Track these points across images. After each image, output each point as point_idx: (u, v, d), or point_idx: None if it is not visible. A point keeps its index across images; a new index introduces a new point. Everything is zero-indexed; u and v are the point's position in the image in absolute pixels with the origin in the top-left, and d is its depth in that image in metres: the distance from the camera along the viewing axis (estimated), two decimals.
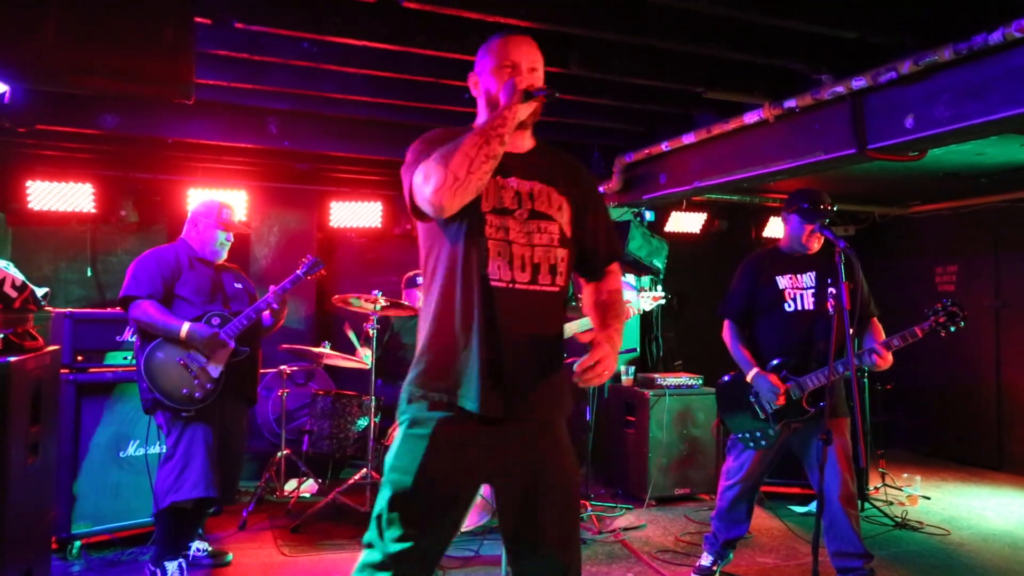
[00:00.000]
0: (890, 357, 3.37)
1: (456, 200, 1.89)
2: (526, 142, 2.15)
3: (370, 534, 2.00)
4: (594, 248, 2.20)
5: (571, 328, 3.89)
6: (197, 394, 3.52)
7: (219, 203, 3.84)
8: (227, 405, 3.66)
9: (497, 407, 1.95)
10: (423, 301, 2.12)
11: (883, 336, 3.45)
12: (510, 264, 1.98)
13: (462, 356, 1.96)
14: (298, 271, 3.86)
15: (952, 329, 3.30)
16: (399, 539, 1.93)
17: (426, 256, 2.10)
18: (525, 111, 2.00)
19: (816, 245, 3.59)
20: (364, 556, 2.00)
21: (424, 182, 1.90)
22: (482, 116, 2.14)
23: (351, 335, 5.39)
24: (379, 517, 1.98)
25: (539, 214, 2.04)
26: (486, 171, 1.89)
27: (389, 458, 2.02)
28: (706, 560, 3.81)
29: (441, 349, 2.01)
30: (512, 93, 1.98)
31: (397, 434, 2.05)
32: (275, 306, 3.74)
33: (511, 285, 1.97)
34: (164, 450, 3.60)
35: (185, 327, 3.49)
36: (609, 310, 2.18)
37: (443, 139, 1.97)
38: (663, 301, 4.58)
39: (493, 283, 1.96)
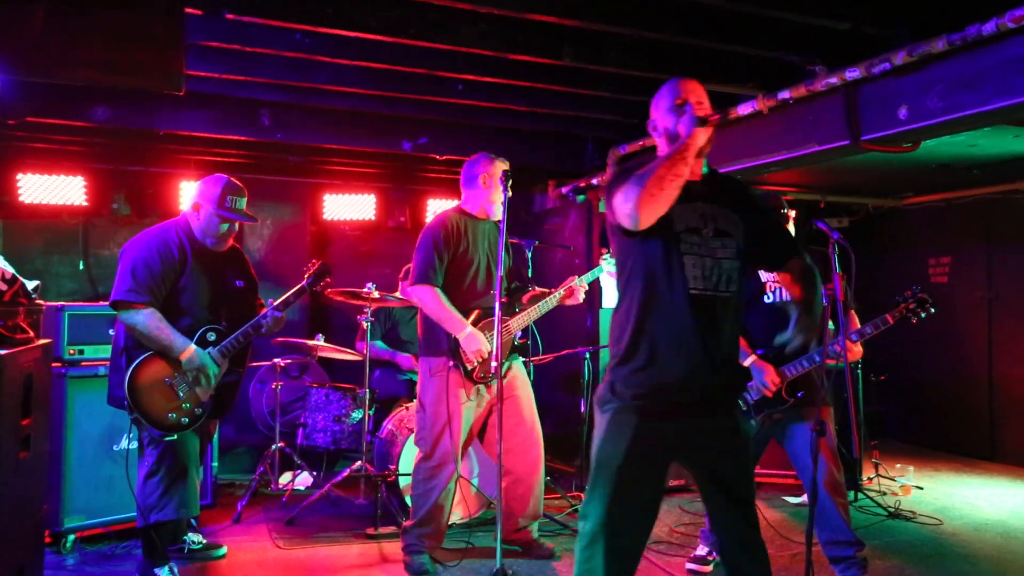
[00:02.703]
0: (858, 348, 3.47)
1: (649, 213, 2.21)
2: (700, 168, 2.44)
3: None
4: (774, 244, 2.54)
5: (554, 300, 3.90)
6: (184, 419, 3.34)
7: (224, 185, 3.43)
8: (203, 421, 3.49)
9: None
10: (619, 306, 2.42)
11: (857, 326, 3.50)
12: (703, 274, 2.32)
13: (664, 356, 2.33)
14: (303, 282, 3.64)
15: (923, 316, 3.37)
16: None
17: (622, 268, 2.44)
18: (703, 137, 2.28)
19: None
20: None
21: (624, 200, 2.22)
22: (664, 150, 2.44)
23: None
24: None
25: (722, 232, 2.38)
26: (674, 187, 2.20)
27: None
28: (702, 550, 3.83)
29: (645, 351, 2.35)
30: (691, 122, 2.28)
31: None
32: (273, 324, 3.53)
33: (704, 293, 2.31)
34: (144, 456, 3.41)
35: (188, 351, 3.29)
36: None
37: (635, 166, 2.31)
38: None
39: (692, 291, 2.30)
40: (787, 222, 3.68)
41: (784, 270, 2.60)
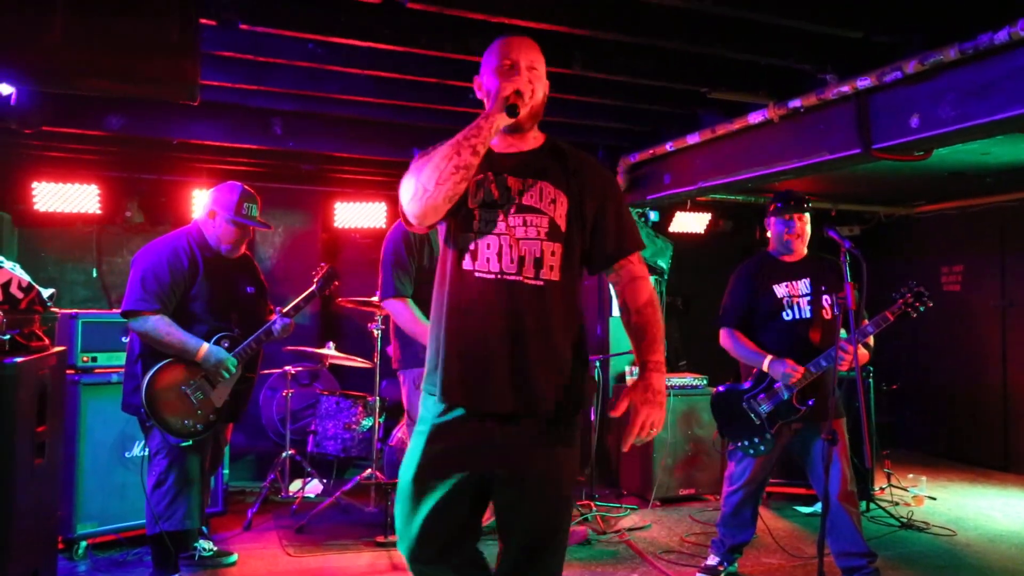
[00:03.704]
0: (861, 351, 3.40)
1: (425, 210, 1.93)
2: (528, 143, 2.15)
3: None
4: (599, 242, 2.11)
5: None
6: (199, 426, 3.38)
7: (240, 192, 3.50)
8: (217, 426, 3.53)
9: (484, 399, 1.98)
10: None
11: (867, 340, 3.49)
12: (498, 256, 1.98)
13: (447, 349, 2.01)
14: (312, 287, 3.68)
15: (921, 309, 3.34)
16: None
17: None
18: (504, 121, 1.97)
19: (798, 243, 3.64)
20: None
21: (401, 194, 1.98)
22: None
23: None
24: None
25: (527, 208, 2.02)
26: (456, 181, 1.90)
27: None
28: (712, 560, 3.81)
29: (432, 346, 2.07)
30: (495, 101, 1.96)
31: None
32: (283, 330, 3.59)
33: (500, 277, 1.98)
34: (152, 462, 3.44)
35: (203, 349, 3.33)
36: (643, 339, 2.04)
37: (431, 148, 2.02)
38: None
39: (479, 275, 1.98)
40: (804, 223, 3.67)
41: (609, 274, 2.14)
